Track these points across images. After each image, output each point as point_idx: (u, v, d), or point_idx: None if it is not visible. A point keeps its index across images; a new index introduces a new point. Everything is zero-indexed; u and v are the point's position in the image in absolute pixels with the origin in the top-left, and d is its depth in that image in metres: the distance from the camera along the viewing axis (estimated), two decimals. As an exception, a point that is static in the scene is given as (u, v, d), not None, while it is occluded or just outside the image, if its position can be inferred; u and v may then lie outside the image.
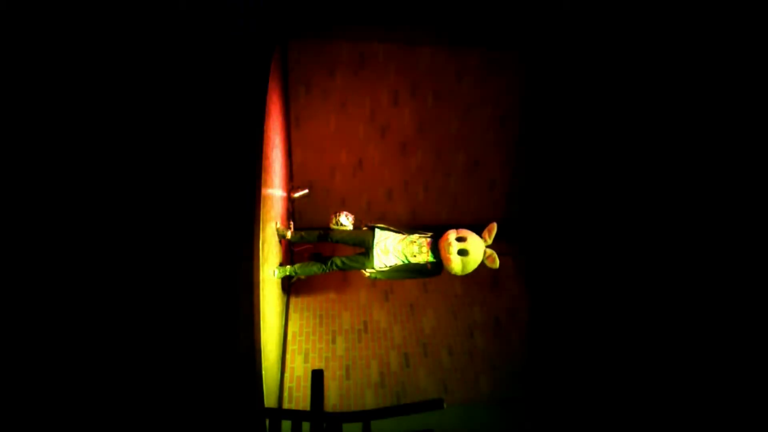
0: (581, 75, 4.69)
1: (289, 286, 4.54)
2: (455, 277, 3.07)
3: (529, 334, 4.55)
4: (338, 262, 3.28)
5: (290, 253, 4.49)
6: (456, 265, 2.90)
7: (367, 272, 3.21)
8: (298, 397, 3.77)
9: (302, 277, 3.59)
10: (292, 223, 4.23)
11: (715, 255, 3.62)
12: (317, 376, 2.43)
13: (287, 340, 4.18)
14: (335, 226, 3.40)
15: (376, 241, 3.17)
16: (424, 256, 3.07)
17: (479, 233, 2.95)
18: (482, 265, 2.93)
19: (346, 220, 3.45)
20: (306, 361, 4.05)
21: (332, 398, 3.81)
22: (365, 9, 3.85)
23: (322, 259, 3.39)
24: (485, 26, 4.22)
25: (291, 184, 4.81)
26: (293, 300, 4.55)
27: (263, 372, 2.65)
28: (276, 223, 3.46)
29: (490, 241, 2.93)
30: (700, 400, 3.42)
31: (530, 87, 4.82)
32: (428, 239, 3.09)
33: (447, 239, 2.92)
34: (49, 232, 2.36)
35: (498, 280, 4.93)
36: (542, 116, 5.01)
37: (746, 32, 3.39)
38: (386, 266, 3.16)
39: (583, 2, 3.95)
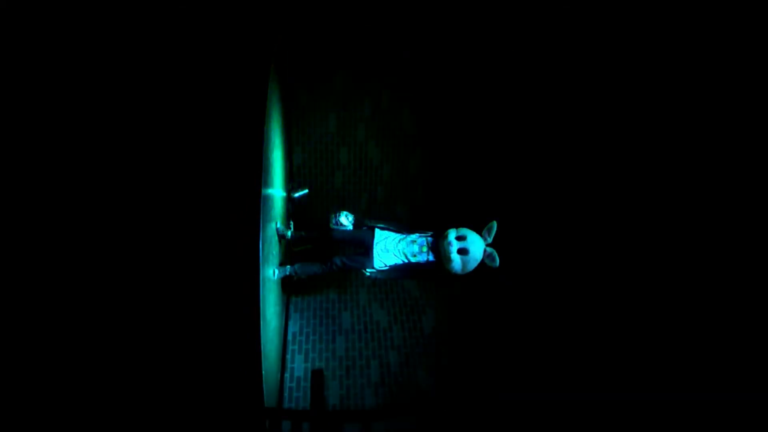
0: (581, 74, 4.69)
1: (289, 286, 4.53)
2: (455, 276, 3.07)
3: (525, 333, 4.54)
4: (338, 262, 3.28)
5: (290, 253, 4.49)
6: (456, 264, 2.90)
7: (367, 272, 3.21)
8: (298, 396, 3.77)
9: (302, 277, 3.59)
10: (292, 223, 4.22)
11: (709, 256, 3.62)
12: (317, 376, 2.43)
13: (287, 340, 4.18)
14: (335, 226, 3.39)
15: (376, 241, 3.18)
16: (424, 256, 3.07)
17: (479, 232, 2.95)
18: (482, 263, 2.94)
19: (346, 220, 3.45)
20: (306, 361, 4.04)
21: (332, 398, 3.81)
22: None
23: (322, 259, 3.38)
24: (485, 27, 4.23)
25: (291, 184, 4.81)
26: (293, 300, 4.55)
27: (263, 372, 2.65)
28: (276, 223, 3.46)
29: (490, 240, 2.93)
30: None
31: (529, 87, 4.82)
32: (428, 238, 3.09)
33: (447, 238, 2.92)
34: (51, 232, 2.37)
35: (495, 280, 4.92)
36: (541, 115, 5.01)
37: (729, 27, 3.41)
38: (386, 266, 3.16)
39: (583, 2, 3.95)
